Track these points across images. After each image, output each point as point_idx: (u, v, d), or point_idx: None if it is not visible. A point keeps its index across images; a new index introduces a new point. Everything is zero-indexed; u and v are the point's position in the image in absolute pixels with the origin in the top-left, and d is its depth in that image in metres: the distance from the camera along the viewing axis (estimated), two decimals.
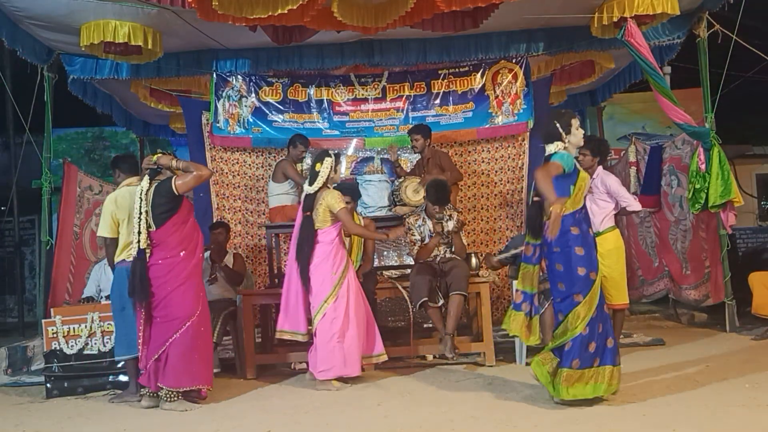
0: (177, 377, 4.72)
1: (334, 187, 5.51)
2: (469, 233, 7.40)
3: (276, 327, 5.45)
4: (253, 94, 7.49)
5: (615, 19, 6.14)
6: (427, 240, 5.89)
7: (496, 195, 7.57)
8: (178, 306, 4.72)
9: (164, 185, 4.76)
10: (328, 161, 5.30)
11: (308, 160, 7.40)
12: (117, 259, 5.10)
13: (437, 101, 7.51)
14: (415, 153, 7.02)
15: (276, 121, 7.51)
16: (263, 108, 7.50)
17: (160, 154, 4.88)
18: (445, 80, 7.53)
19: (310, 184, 5.31)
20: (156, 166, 4.84)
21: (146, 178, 4.85)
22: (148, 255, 4.72)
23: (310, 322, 5.26)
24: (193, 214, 4.98)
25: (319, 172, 5.28)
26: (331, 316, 5.10)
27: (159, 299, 4.74)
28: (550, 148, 4.38)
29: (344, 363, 5.12)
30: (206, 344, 4.88)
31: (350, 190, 5.93)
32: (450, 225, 5.91)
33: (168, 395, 4.73)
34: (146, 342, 4.79)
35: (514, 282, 4.65)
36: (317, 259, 5.19)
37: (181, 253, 4.76)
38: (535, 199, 4.39)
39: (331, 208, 5.20)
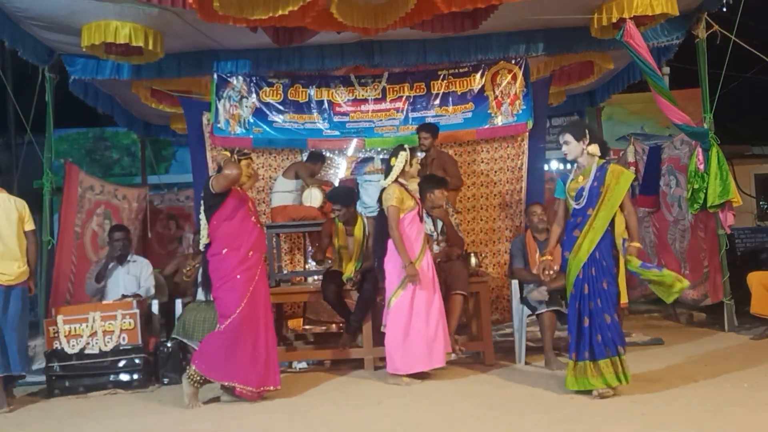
0: (209, 367, 4.74)
1: (329, 195, 5.58)
2: (468, 233, 7.42)
3: None
4: (254, 95, 7.50)
5: (614, 20, 6.16)
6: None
7: (495, 195, 7.58)
8: (223, 302, 4.78)
9: (207, 183, 4.86)
10: (403, 155, 5.30)
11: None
12: None
13: (437, 102, 7.53)
14: (422, 151, 6.99)
15: (276, 122, 7.52)
16: (264, 108, 7.51)
17: (225, 152, 4.96)
18: (445, 81, 7.54)
19: (385, 177, 5.35)
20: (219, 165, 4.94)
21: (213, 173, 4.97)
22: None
23: None
24: (243, 211, 4.88)
25: (393, 166, 5.29)
26: (397, 310, 5.14)
27: (213, 293, 4.85)
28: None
29: (408, 359, 5.12)
30: (253, 343, 4.76)
31: (338, 197, 5.95)
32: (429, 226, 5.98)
33: (194, 375, 4.77)
34: None
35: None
36: (390, 253, 5.23)
37: (224, 251, 4.78)
38: None
39: (385, 202, 5.24)
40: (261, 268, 4.92)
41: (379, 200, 5.36)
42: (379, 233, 5.32)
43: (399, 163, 5.28)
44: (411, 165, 5.34)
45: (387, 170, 5.35)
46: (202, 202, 4.87)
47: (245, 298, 4.74)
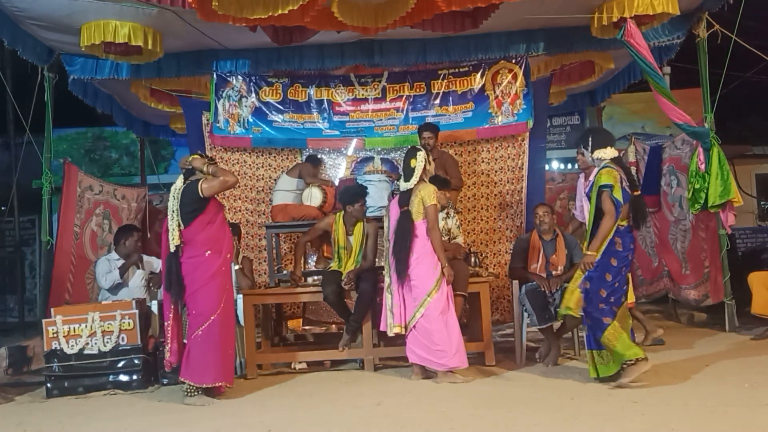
0: (199, 373, 4.85)
1: (352, 194, 5.87)
2: (469, 233, 7.41)
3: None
4: (253, 94, 7.49)
5: (615, 20, 6.15)
6: None
7: (496, 195, 7.57)
8: (203, 303, 4.87)
9: (192, 186, 4.90)
10: (421, 155, 5.35)
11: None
12: None
13: (437, 101, 7.51)
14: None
15: (276, 121, 7.51)
16: (263, 108, 7.50)
17: (197, 156, 5.04)
18: (445, 80, 7.52)
19: (406, 180, 5.35)
20: (190, 167, 4.97)
21: (181, 177, 5.01)
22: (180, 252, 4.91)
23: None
24: (222, 215, 5.06)
25: (414, 168, 5.32)
26: (437, 308, 5.15)
27: (188, 295, 4.90)
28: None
29: (456, 352, 5.15)
30: (228, 342, 4.96)
31: (361, 193, 5.96)
32: (450, 222, 5.99)
33: (189, 390, 4.86)
34: (174, 337, 4.98)
35: None
36: (418, 253, 5.23)
37: (207, 253, 4.88)
38: None
39: (423, 201, 5.24)
40: (230, 270, 5.12)
41: (405, 202, 5.33)
42: (404, 234, 5.28)
43: (420, 163, 5.32)
44: (430, 163, 5.42)
45: (408, 172, 5.35)
46: (179, 205, 4.88)
47: (223, 299, 4.90)
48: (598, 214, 4.82)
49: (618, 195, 4.75)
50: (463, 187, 7.18)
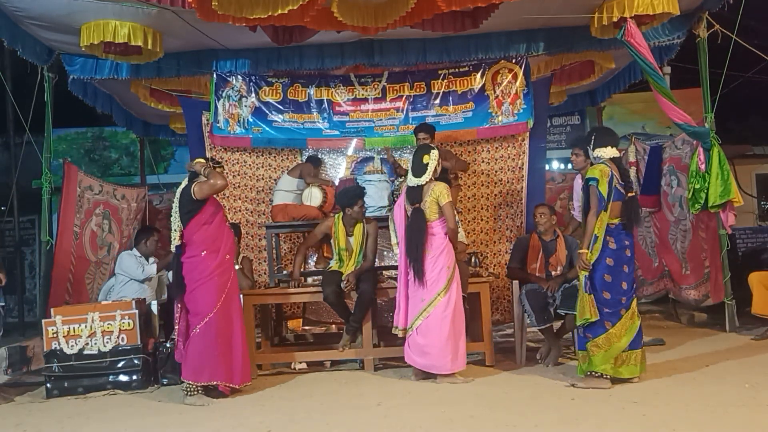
0: (194, 371, 4.91)
1: (352, 195, 5.88)
2: (469, 233, 7.40)
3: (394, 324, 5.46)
4: (253, 94, 7.48)
5: (615, 19, 6.14)
6: None
7: (496, 195, 7.56)
8: (200, 302, 4.95)
9: (187, 189, 5.02)
10: (435, 153, 5.34)
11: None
12: None
13: (437, 101, 7.50)
14: None
15: (276, 121, 7.50)
16: (263, 108, 7.49)
17: (200, 160, 5.16)
18: (445, 80, 7.51)
19: (417, 176, 5.31)
20: (193, 170, 5.10)
21: (186, 179, 5.12)
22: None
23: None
24: (220, 216, 5.12)
25: (427, 164, 5.30)
26: (444, 310, 5.13)
27: (187, 294, 4.98)
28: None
29: (457, 355, 5.15)
30: (228, 342, 5.00)
31: (360, 193, 5.95)
32: None
33: (189, 389, 4.91)
34: (181, 334, 5.05)
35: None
36: (434, 252, 5.20)
37: (203, 253, 4.96)
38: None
39: (438, 200, 5.23)
40: (233, 270, 5.15)
41: (415, 199, 5.30)
42: (417, 232, 5.24)
43: (433, 160, 5.31)
44: (439, 164, 5.40)
45: (419, 169, 5.31)
46: (178, 206, 5.01)
47: (221, 299, 4.96)
48: (586, 209, 4.83)
49: (603, 189, 4.73)
50: (467, 167, 7.15)
